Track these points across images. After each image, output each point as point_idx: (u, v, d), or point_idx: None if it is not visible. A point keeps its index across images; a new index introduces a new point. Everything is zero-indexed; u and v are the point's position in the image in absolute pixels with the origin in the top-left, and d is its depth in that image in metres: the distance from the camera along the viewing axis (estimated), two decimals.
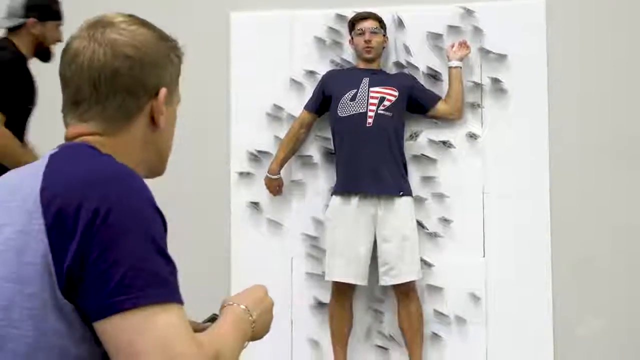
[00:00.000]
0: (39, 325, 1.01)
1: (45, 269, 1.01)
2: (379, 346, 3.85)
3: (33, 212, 1.03)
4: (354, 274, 3.64)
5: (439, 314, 3.79)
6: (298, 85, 3.94)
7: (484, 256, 3.80)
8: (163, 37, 1.25)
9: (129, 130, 1.19)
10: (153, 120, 1.22)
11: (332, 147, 3.82)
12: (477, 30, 3.81)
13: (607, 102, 3.93)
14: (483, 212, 3.83)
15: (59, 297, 1.01)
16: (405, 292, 3.69)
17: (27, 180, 1.09)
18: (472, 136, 3.77)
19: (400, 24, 3.86)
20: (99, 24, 1.19)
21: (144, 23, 1.23)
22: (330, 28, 3.93)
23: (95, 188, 1.04)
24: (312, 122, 3.85)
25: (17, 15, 3.06)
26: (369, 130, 3.63)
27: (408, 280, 3.63)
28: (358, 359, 3.87)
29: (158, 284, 1.02)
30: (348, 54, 3.91)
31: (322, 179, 3.92)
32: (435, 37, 3.84)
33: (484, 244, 3.82)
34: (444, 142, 3.82)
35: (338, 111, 3.69)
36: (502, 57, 3.76)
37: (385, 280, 3.64)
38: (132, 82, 1.17)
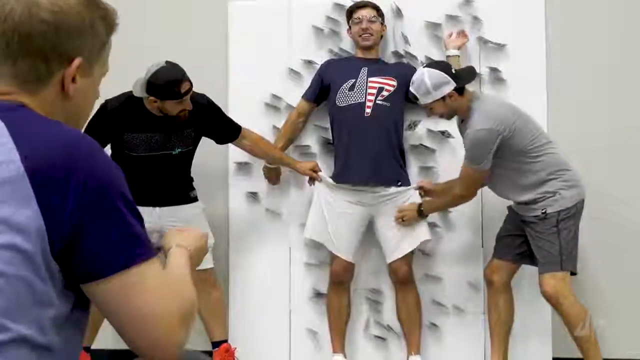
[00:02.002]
0: (30, 284, 1.09)
1: (38, 234, 1.08)
2: (377, 336, 3.88)
3: (18, 181, 1.08)
4: (338, 246, 3.69)
5: (437, 304, 3.82)
6: (296, 75, 3.94)
7: (482, 246, 3.81)
8: (92, 3, 1.22)
9: (40, 93, 1.20)
10: (63, 89, 1.22)
11: (330, 137, 3.83)
12: (476, 20, 3.81)
13: (606, 92, 3.94)
14: (482, 201, 3.82)
15: (49, 258, 1.09)
16: (403, 281, 3.70)
17: None
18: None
19: (398, 13, 3.86)
20: None
21: None
22: (329, 17, 3.93)
23: (76, 158, 1.12)
24: (310, 111, 3.86)
25: (143, 90, 3.40)
26: (368, 120, 3.64)
27: (421, 241, 3.68)
28: (356, 349, 3.89)
29: (142, 244, 1.16)
30: (346, 44, 3.91)
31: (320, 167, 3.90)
32: (434, 26, 3.84)
33: (482, 233, 3.83)
34: (442, 132, 3.81)
35: (336, 101, 3.70)
36: (500, 47, 3.76)
37: (395, 255, 3.66)
38: (45, 46, 1.17)
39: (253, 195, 3.97)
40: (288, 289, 3.97)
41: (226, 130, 3.67)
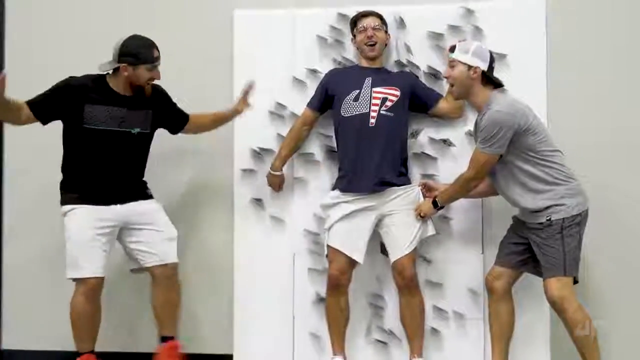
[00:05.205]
0: None
1: None
2: (379, 340, 3.90)
3: None
4: (351, 250, 3.68)
5: (438, 310, 3.85)
6: (300, 84, 3.96)
7: (482, 252, 3.84)
8: None
9: None
10: None
11: (333, 145, 3.85)
12: (478, 30, 3.84)
13: (606, 101, 3.96)
14: (482, 209, 3.85)
15: None
16: (408, 285, 3.70)
17: None
18: (472, 135, 3.76)
19: (401, 23, 3.88)
20: None
21: None
22: (332, 27, 3.95)
23: None
24: (314, 120, 3.87)
25: (114, 61, 3.56)
26: (372, 130, 3.66)
27: (428, 235, 3.71)
28: (358, 353, 3.92)
29: None
30: (349, 53, 3.93)
31: (323, 176, 3.96)
32: (436, 36, 3.86)
33: (482, 240, 3.85)
34: (444, 141, 3.84)
35: (341, 111, 3.72)
36: (501, 57, 3.75)
37: (403, 252, 3.66)
38: None
39: (258, 202, 3.99)
40: (292, 294, 3.98)
41: (178, 117, 3.83)
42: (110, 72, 3.61)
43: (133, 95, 3.61)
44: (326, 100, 3.81)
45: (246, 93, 3.83)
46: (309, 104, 3.86)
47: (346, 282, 3.75)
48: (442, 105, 3.78)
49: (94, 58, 3.65)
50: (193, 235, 4.19)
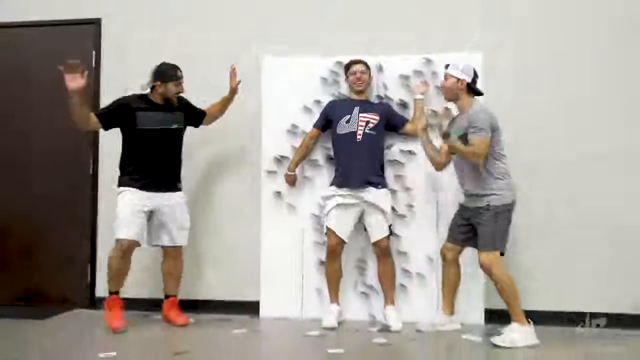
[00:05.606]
0: None
1: None
2: (363, 292, 4.63)
3: None
4: (341, 232, 4.41)
5: (404, 271, 4.60)
6: (309, 110, 4.73)
7: (437, 231, 4.56)
8: None
9: None
10: None
11: (332, 153, 4.56)
12: (434, 74, 4.60)
13: (539, 134, 4.51)
14: (437, 200, 4.57)
15: None
16: (384, 253, 4.35)
17: None
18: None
19: (380, 68, 4.71)
20: None
21: None
22: (331, 71, 4.75)
23: None
24: (318, 136, 4.62)
25: (151, 82, 4.30)
26: (359, 144, 4.39)
27: (383, 237, 4.33)
28: (348, 302, 4.61)
29: None
30: (343, 89, 4.72)
31: (325, 175, 4.68)
32: (405, 78, 4.66)
33: (437, 222, 4.56)
34: (409, 151, 4.60)
35: (337, 130, 4.45)
36: None
37: (378, 236, 4.31)
38: None
39: (278, 194, 4.72)
40: (301, 259, 4.66)
41: (199, 114, 4.53)
42: (149, 90, 4.29)
43: (167, 104, 4.29)
44: (327, 122, 4.55)
45: (233, 75, 4.48)
46: (315, 125, 4.60)
47: (340, 251, 4.44)
48: (408, 126, 4.55)
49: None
50: (233, 218, 4.91)
